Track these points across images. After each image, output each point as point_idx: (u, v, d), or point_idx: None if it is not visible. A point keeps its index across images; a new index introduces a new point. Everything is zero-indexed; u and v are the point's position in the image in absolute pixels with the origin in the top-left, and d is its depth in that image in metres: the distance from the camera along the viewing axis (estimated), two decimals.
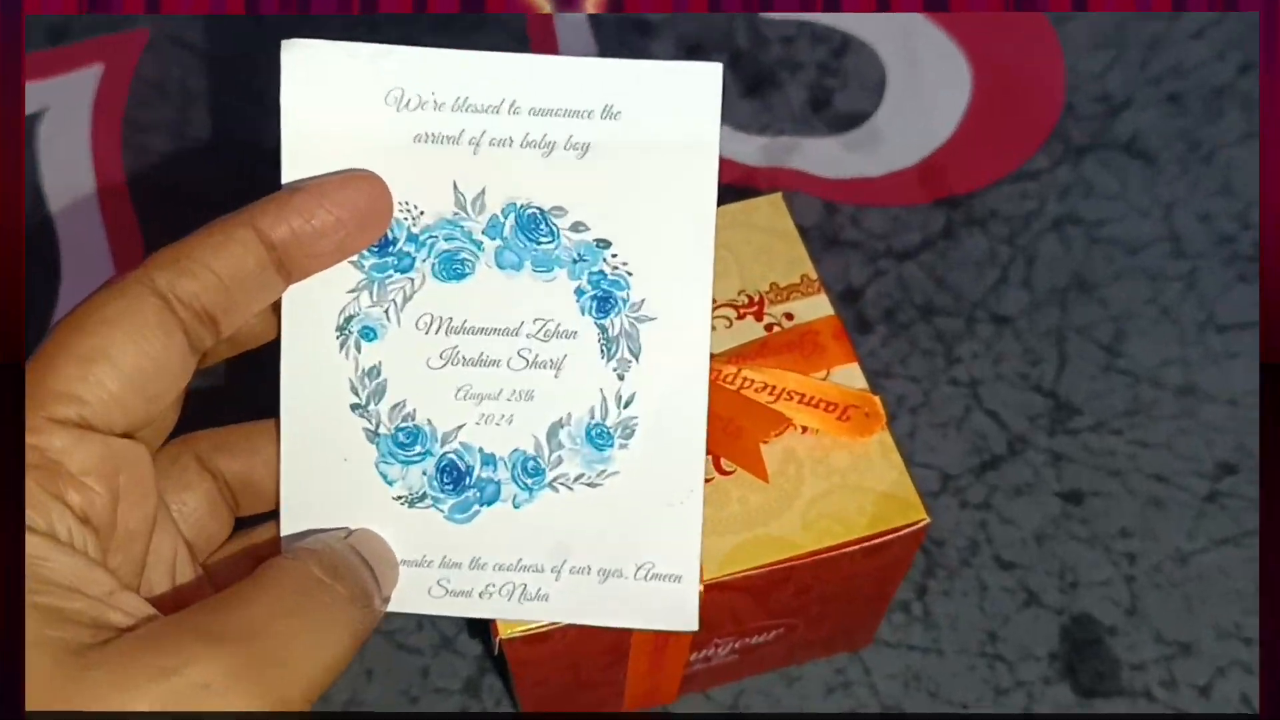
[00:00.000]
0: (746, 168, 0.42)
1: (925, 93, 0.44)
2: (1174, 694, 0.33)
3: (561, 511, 0.25)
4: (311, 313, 0.24)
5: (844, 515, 0.27)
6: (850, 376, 0.29)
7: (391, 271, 0.24)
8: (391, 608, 0.25)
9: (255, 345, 0.25)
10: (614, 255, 0.24)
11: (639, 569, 0.25)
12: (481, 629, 0.34)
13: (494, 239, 0.24)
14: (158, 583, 0.23)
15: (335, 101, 0.24)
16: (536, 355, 0.25)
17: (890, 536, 0.27)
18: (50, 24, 0.45)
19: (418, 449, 0.25)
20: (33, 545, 0.19)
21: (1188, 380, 0.37)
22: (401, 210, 0.24)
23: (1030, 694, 0.33)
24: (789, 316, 0.30)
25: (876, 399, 0.28)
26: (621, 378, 0.25)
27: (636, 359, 0.25)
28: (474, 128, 0.24)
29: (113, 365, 0.21)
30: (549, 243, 0.24)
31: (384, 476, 0.25)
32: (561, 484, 0.25)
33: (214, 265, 0.22)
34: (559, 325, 0.25)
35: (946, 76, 0.44)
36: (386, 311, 0.24)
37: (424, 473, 0.25)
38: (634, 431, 0.25)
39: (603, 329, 0.25)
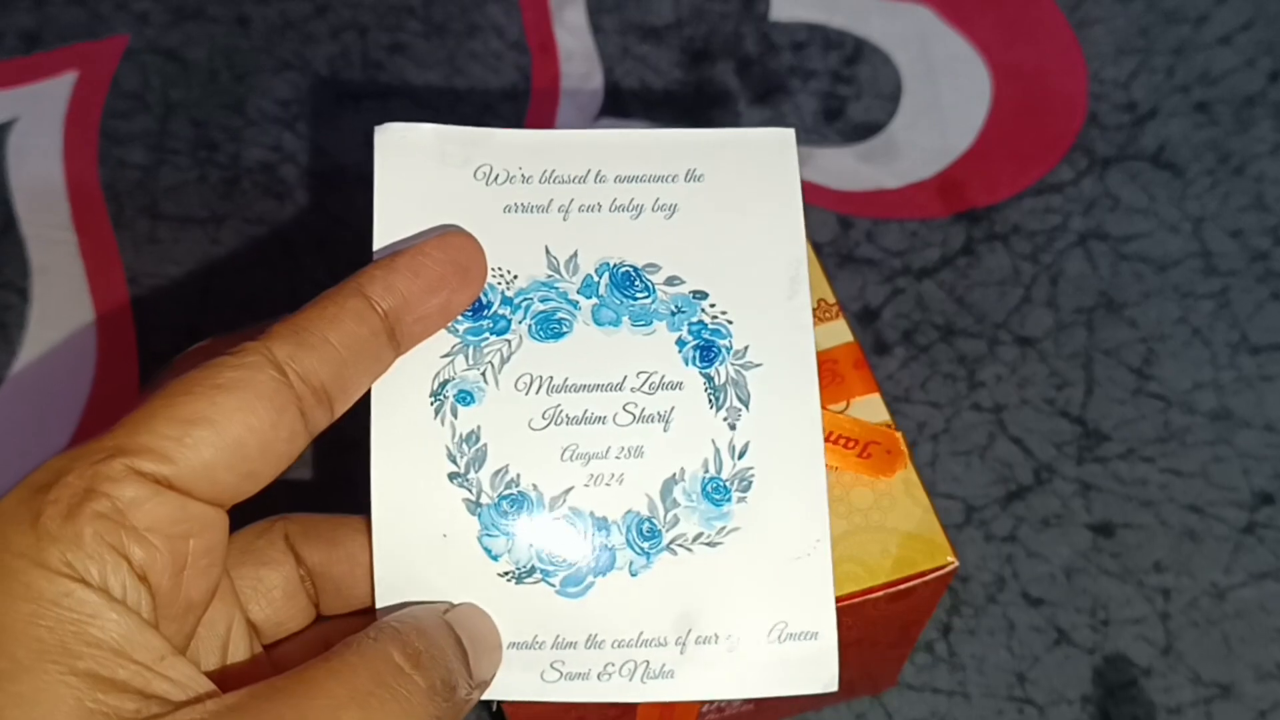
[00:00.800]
0: None
1: (943, 101, 0.42)
2: None
3: (682, 576, 0.24)
4: (403, 378, 0.24)
5: (866, 558, 0.26)
6: (871, 407, 0.28)
7: (487, 334, 0.24)
8: (502, 696, 0.24)
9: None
10: (712, 305, 0.25)
11: (771, 630, 0.24)
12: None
13: (590, 297, 0.24)
14: (205, 655, 0.22)
15: (425, 180, 0.25)
16: (643, 409, 0.24)
17: (916, 581, 0.26)
18: (22, 29, 0.44)
19: (521, 518, 0.24)
20: (81, 601, 0.19)
21: (1222, 405, 0.36)
22: (495, 275, 0.24)
23: None
24: None
25: (899, 435, 0.27)
26: (733, 427, 0.24)
27: (746, 407, 0.24)
28: (562, 197, 0.25)
29: (215, 432, 0.20)
30: (645, 298, 0.25)
31: (488, 551, 0.24)
32: (680, 545, 0.24)
33: (331, 337, 0.22)
34: (663, 377, 0.24)
35: (965, 84, 0.43)
36: (484, 374, 0.24)
37: (531, 544, 0.24)
38: (751, 483, 0.24)
39: (708, 378, 0.24)
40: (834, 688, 0.24)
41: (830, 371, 0.29)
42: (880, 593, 0.26)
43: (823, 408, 0.25)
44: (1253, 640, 0.33)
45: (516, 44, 0.43)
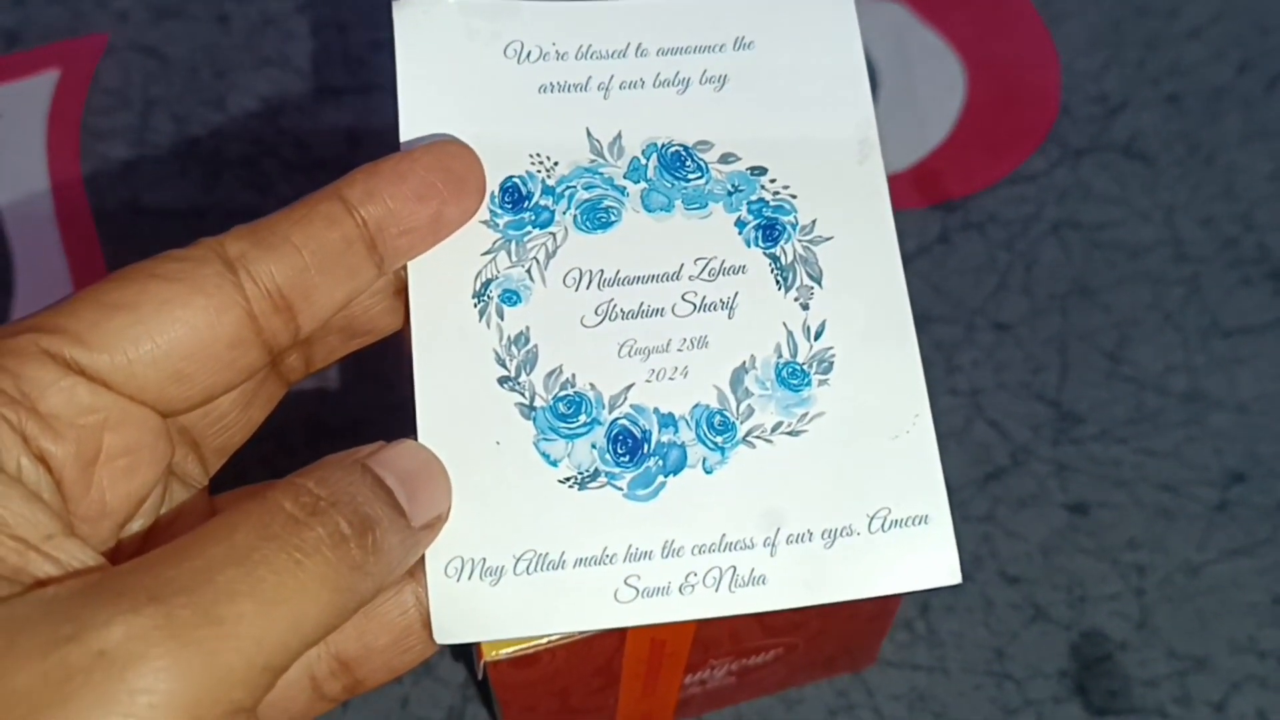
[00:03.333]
0: None
1: (918, 95, 0.44)
2: (1188, 711, 0.33)
3: (764, 469, 0.22)
4: (443, 281, 0.22)
5: None
6: None
7: (530, 228, 0.23)
8: (573, 626, 0.21)
9: (375, 338, 0.23)
10: (772, 181, 0.23)
11: (873, 519, 0.22)
12: (464, 652, 0.34)
13: (638, 182, 0.23)
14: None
15: (452, 59, 0.23)
16: (704, 297, 0.23)
17: None
18: (2, 28, 0.45)
19: (582, 419, 0.22)
20: None
21: (1193, 386, 0.38)
22: (534, 162, 0.23)
23: (1040, 713, 0.33)
24: None
25: None
26: (806, 307, 0.23)
27: (819, 284, 0.23)
28: (601, 73, 0.23)
29: (137, 321, 0.19)
30: (698, 178, 0.23)
31: (546, 457, 0.22)
32: (758, 437, 0.22)
33: (295, 238, 0.20)
34: (724, 262, 0.23)
35: (940, 78, 0.44)
36: (529, 271, 0.23)
37: (593, 446, 0.22)
38: (832, 364, 0.22)
39: (774, 258, 0.23)
40: (956, 578, 0.22)
41: None
42: None
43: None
44: (1225, 615, 0.34)
45: None
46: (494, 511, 0.22)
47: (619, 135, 0.23)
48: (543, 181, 0.23)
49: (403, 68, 0.23)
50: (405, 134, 0.23)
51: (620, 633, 0.27)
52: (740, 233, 0.23)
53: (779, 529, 0.22)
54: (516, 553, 0.22)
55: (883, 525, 0.22)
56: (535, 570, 0.22)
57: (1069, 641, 0.34)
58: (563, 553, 0.22)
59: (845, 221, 0.23)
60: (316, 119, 0.43)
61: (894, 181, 0.42)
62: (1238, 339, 0.39)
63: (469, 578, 0.21)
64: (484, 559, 0.22)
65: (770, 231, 0.23)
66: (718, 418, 0.22)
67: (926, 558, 0.22)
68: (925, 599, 0.35)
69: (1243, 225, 0.41)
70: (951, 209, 0.41)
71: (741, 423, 0.22)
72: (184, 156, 0.42)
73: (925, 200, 0.42)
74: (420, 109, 0.23)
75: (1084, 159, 0.42)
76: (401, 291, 0.23)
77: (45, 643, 0.16)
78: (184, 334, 0.19)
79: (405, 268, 0.23)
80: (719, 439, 0.22)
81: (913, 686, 0.34)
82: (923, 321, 0.39)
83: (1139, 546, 0.35)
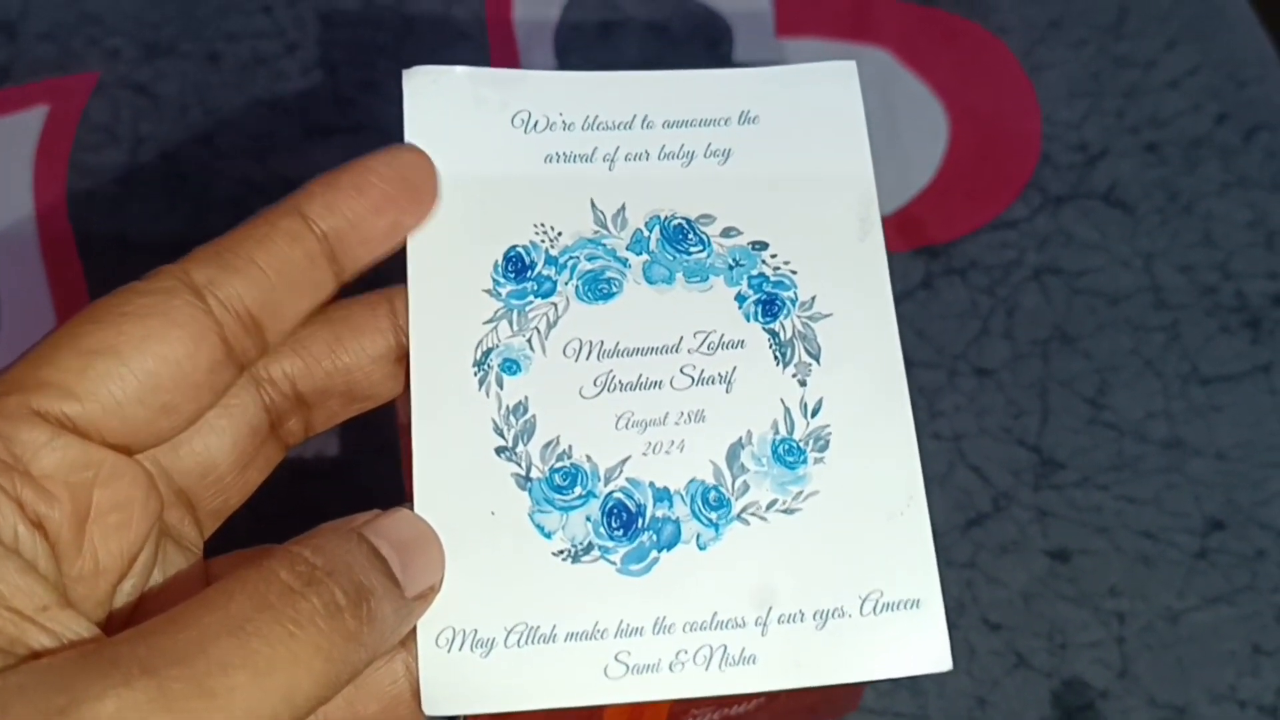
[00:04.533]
0: None
1: (902, 141, 0.44)
2: None
3: (757, 547, 0.22)
4: (444, 349, 0.22)
5: None
6: None
7: (531, 298, 0.23)
8: (563, 702, 0.21)
9: (376, 404, 0.23)
10: (773, 256, 0.23)
11: (865, 601, 0.22)
12: None
13: (640, 254, 0.23)
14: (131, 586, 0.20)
15: (459, 128, 0.23)
16: (702, 371, 0.23)
17: None
18: None
19: (578, 492, 0.22)
20: None
21: (1173, 433, 0.38)
22: (538, 232, 0.23)
23: None
24: None
25: None
26: (803, 383, 0.23)
27: (817, 360, 0.23)
28: (607, 145, 0.24)
29: (120, 364, 0.19)
30: (700, 251, 0.23)
31: (540, 529, 0.22)
32: (753, 514, 0.22)
33: (259, 259, 0.20)
34: (723, 336, 0.23)
35: (923, 125, 0.45)
36: (529, 341, 0.23)
37: (588, 519, 0.22)
38: (828, 442, 0.22)
39: (773, 333, 0.23)
40: (947, 665, 0.22)
41: None
42: None
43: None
44: (1206, 663, 0.34)
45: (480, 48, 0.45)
46: (487, 582, 0.22)
47: (623, 207, 0.23)
48: (546, 251, 0.23)
49: (411, 134, 0.24)
50: None
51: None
52: (740, 307, 0.23)
53: (770, 608, 0.22)
54: (508, 625, 0.22)
55: (874, 608, 0.22)
56: (526, 643, 0.22)
57: (1050, 689, 0.34)
58: (554, 626, 0.22)
59: (845, 298, 0.23)
60: (305, 158, 0.43)
61: None
62: (1216, 386, 0.39)
63: (460, 648, 0.21)
64: (475, 630, 0.21)
65: (770, 307, 0.23)
66: (713, 494, 0.22)
67: (917, 643, 0.22)
68: None
69: (1221, 273, 0.41)
70: (934, 254, 0.42)
71: (736, 499, 0.22)
72: (172, 194, 0.43)
73: (908, 245, 0.42)
74: None
75: (1065, 206, 0.43)
76: (403, 358, 0.23)
77: (39, 714, 0.16)
78: (166, 368, 0.19)
79: (407, 335, 0.23)
80: (713, 515, 0.22)
81: None
82: (906, 366, 0.39)
83: (1120, 593, 0.35)
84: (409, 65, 0.46)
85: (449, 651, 0.21)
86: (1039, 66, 0.46)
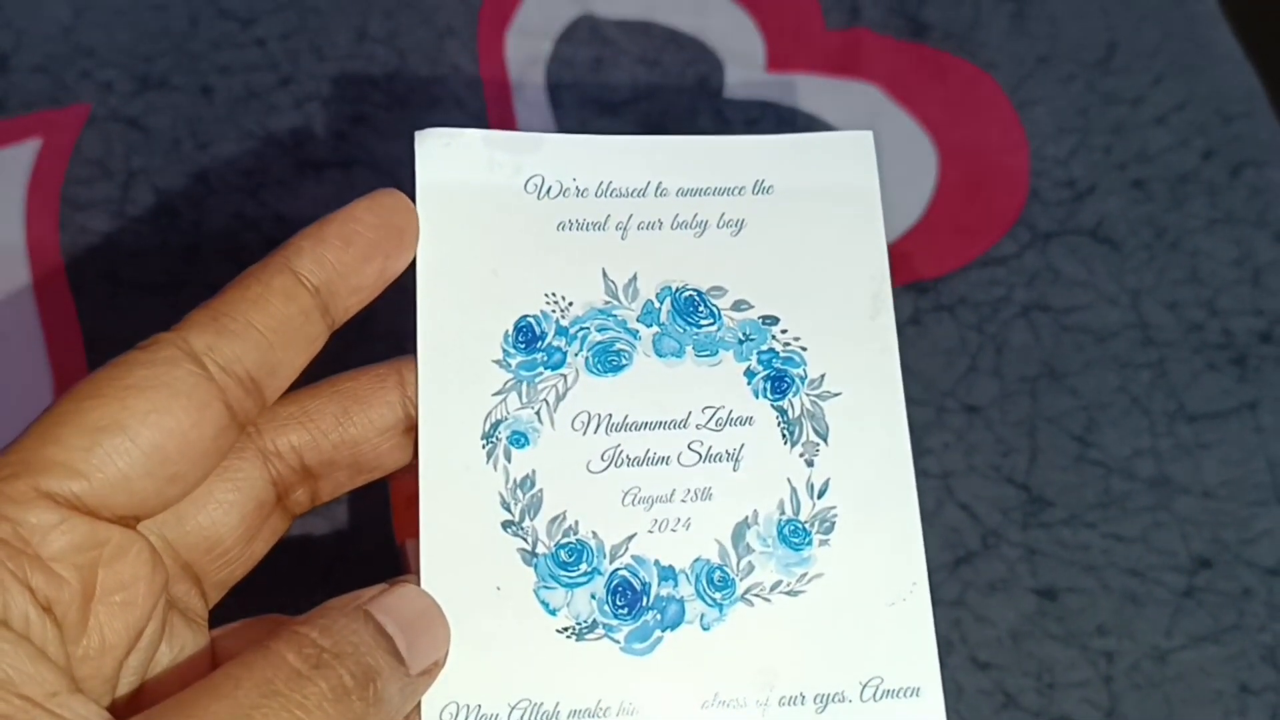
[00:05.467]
0: None
1: (891, 177, 0.45)
2: None
3: (760, 629, 0.22)
4: (453, 421, 0.22)
5: None
6: None
7: (541, 369, 0.23)
8: None
9: (382, 474, 0.23)
10: (784, 331, 0.23)
11: (865, 687, 0.22)
12: None
13: (651, 325, 0.23)
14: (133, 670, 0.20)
15: (472, 192, 0.23)
16: (710, 448, 0.23)
17: None
18: None
19: (583, 568, 0.22)
20: None
21: (1160, 471, 0.38)
22: (549, 302, 0.23)
23: None
24: None
25: None
26: (811, 463, 0.23)
27: (825, 440, 0.23)
28: (620, 212, 0.23)
29: (128, 440, 0.19)
30: (710, 325, 0.23)
31: (545, 605, 0.22)
32: (756, 595, 0.22)
33: (256, 321, 0.21)
34: (731, 412, 0.23)
35: (912, 161, 0.45)
36: (538, 413, 0.23)
37: (592, 596, 0.22)
38: (834, 524, 0.23)
39: (781, 411, 0.23)
40: None
41: None
42: None
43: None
44: (1193, 702, 0.34)
45: (478, 117, 0.46)
46: (491, 659, 0.22)
47: (634, 277, 0.23)
48: (557, 322, 0.23)
49: (423, 197, 0.23)
50: (422, 263, 0.23)
51: None
52: (749, 383, 0.23)
53: (772, 689, 0.22)
54: (512, 701, 0.22)
55: (875, 694, 0.22)
56: None
57: None
58: (557, 704, 0.22)
59: (854, 377, 0.23)
60: (297, 193, 0.43)
61: None
62: (1203, 424, 0.39)
63: None
64: (479, 706, 0.21)
65: (779, 383, 0.23)
66: (718, 573, 0.22)
67: None
68: None
69: (1208, 310, 0.42)
70: (923, 290, 0.42)
71: (741, 580, 0.22)
72: (164, 229, 0.43)
73: (897, 281, 0.42)
74: (438, 241, 0.23)
75: (1052, 243, 0.43)
76: (410, 430, 0.23)
77: None
78: (173, 440, 0.19)
79: (416, 407, 0.22)
80: (718, 595, 0.22)
81: None
82: None
83: (1107, 633, 0.36)
84: (401, 98, 0.46)
85: None
86: (1027, 102, 0.47)
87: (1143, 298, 0.42)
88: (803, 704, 0.22)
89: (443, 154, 0.24)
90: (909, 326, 0.41)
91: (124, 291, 0.41)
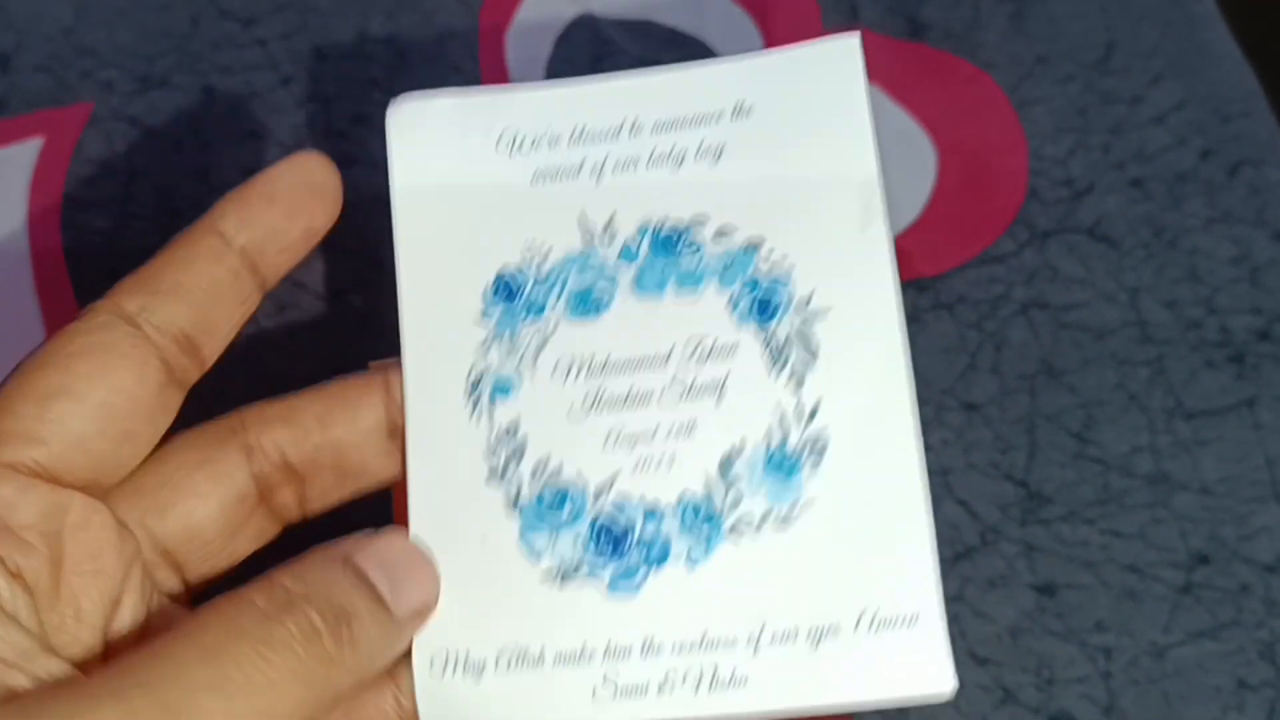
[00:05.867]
0: None
1: (890, 176, 0.45)
2: None
3: (749, 563, 0.22)
4: (437, 378, 0.23)
5: None
6: None
7: (522, 319, 0.23)
8: None
9: (370, 483, 0.23)
10: (770, 252, 0.23)
11: (860, 618, 0.21)
12: None
13: (630, 263, 0.23)
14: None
15: (446, 157, 0.23)
16: (693, 381, 0.22)
17: None
18: None
19: (567, 511, 0.22)
20: None
21: (1159, 468, 0.38)
22: (527, 253, 0.23)
23: None
24: None
25: None
26: (800, 384, 0.22)
27: (815, 360, 0.22)
28: (595, 155, 0.23)
29: (76, 401, 0.20)
30: (692, 256, 0.23)
31: (529, 550, 0.22)
32: (745, 529, 0.22)
33: (185, 281, 0.21)
34: (715, 341, 0.22)
35: (911, 160, 0.45)
36: (520, 362, 0.23)
37: (577, 538, 0.22)
38: (826, 448, 0.22)
39: (767, 336, 0.22)
40: (947, 689, 0.21)
41: None
42: None
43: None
44: (1191, 698, 0.35)
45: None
46: (478, 605, 0.22)
47: (612, 218, 0.23)
48: (535, 271, 0.23)
49: (396, 167, 0.24)
50: (399, 229, 0.23)
51: None
52: (734, 310, 0.23)
53: (763, 626, 0.21)
54: (499, 647, 0.22)
55: (870, 625, 0.21)
56: (516, 666, 0.22)
57: None
58: (543, 648, 0.22)
59: (844, 292, 0.23)
60: None
61: None
62: (1201, 421, 0.39)
63: (453, 673, 0.21)
64: (467, 652, 0.22)
65: (765, 307, 0.23)
66: (703, 509, 0.22)
67: (915, 663, 0.21)
68: None
69: (1206, 308, 0.42)
70: (922, 288, 0.42)
71: (727, 515, 0.22)
72: (166, 227, 0.43)
73: None
74: (414, 208, 0.24)
75: (1051, 241, 0.43)
76: (396, 433, 0.23)
77: None
78: (119, 398, 0.20)
79: (402, 410, 0.23)
80: (704, 531, 0.22)
81: None
82: None
83: (1106, 629, 0.36)
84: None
85: (443, 676, 0.22)
86: (1026, 102, 0.47)
87: (1141, 296, 0.42)
88: (795, 640, 0.21)
89: (416, 122, 0.24)
90: (909, 324, 0.41)
91: None
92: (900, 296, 0.22)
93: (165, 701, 0.17)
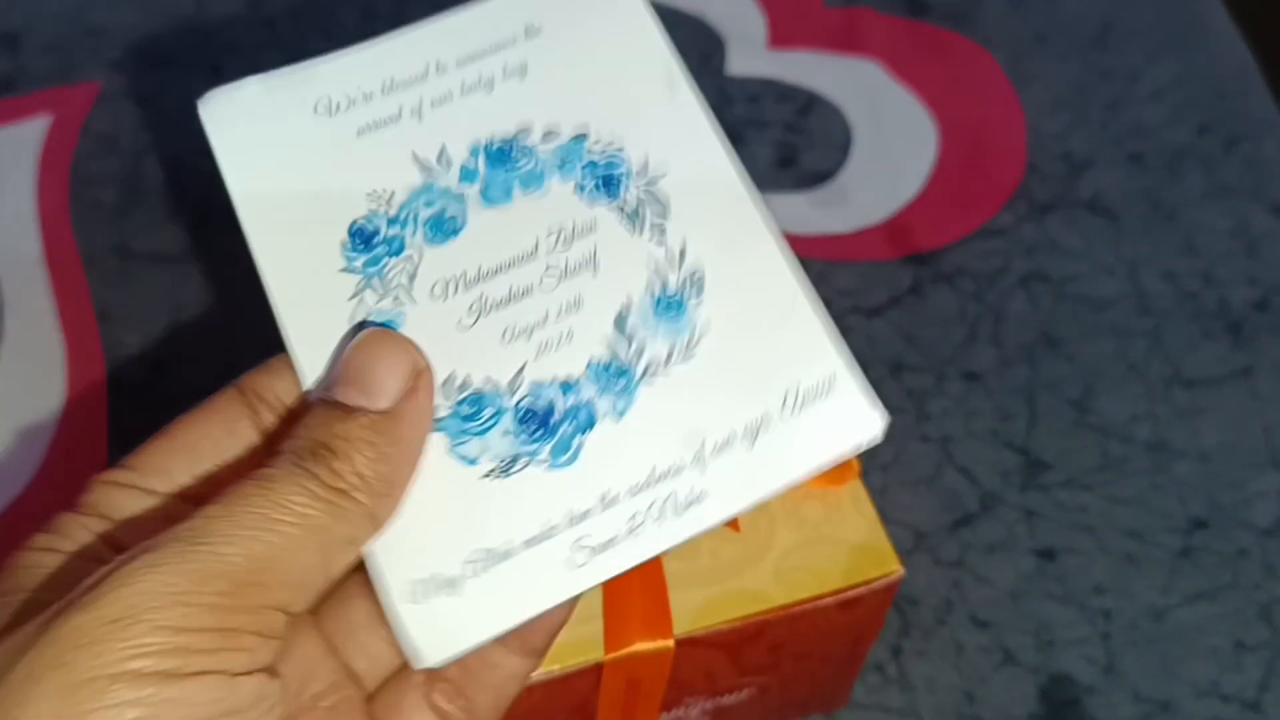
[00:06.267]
0: None
1: (891, 151, 0.46)
2: None
3: (671, 398, 0.23)
4: (321, 338, 0.23)
5: (817, 567, 0.28)
6: None
7: (386, 260, 0.24)
8: (543, 606, 0.22)
9: None
10: (596, 141, 0.24)
11: (785, 402, 0.23)
12: None
13: (473, 183, 0.24)
14: None
15: (267, 136, 0.24)
16: (565, 263, 0.24)
17: (864, 589, 0.28)
18: None
19: (488, 413, 0.23)
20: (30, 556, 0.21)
21: (1157, 436, 0.39)
22: (372, 201, 0.24)
23: None
24: None
25: None
26: (663, 237, 0.24)
27: (668, 215, 0.24)
28: (410, 100, 0.25)
29: (168, 436, 0.23)
30: (527, 161, 0.24)
31: (464, 460, 0.23)
32: (655, 368, 0.23)
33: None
34: (574, 223, 0.24)
35: (912, 135, 0.46)
36: (396, 298, 0.24)
37: (505, 433, 0.23)
38: (703, 281, 0.24)
39: (620, 205, 0.24)
40: (877, 429, 0.22)
41: None
42: (829, 600, 0.28)
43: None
44: (1189, 659, 0.35)
45: None
46: (434, 527, 0.22)
47: (443, 148, 0.24)
48: (385, 215, 0.24)
49: (224, 159, 0.24)
50: (244, 216, 0.24)
51: (596, 671, 0.28)
52: (582, 193, 0.24)
53: (703, 442, 0.23)
54: (466, 557, 0.22)
55: (795, 404, 0.23)
56: (489, 567, 0.22)
57: (1038, 685, 0.35)
58: (508, 541, 0.22)
59: (674, 154, 0.24)
60: None
61: (867, 234, 0.44)
62: (1199, 389, 0.40)
63: (430, 595, 0.22)
64: (439, 572, 0.22)
65: (609, 182, 0.24)
66: (613, 365, 0.23)
67: (845, 416, 0.23)
68: (898, 643, 0.36)
69: (1203, 280, 0.42)
70: (923, 261, 0.43)
71: (636, 364, 0.23)
72: (173, 202, 0.43)
73: (897, 252, 0.43)
74: (253, 192, 0.24)
75: (1050, 215, 0.44)
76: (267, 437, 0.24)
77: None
78: (199, 436, 0.23)
79: (283, 333, 0.24)
80: (620, 384, 0.23)
81: None
82: (894, 370, 0.40)
83: (1105, 591, 0.36)
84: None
85: (425, 602, 0.22)
86: (1025, 79, 0.47)
87: (1139, 268, 0.43)
88: (735, 443, 0.23)
89: (229, 112, 0.25)
90: (909, 296, 0.42)
91: (133, 262, 0.42)
92: (726, 142, 0.24)
93: (184, 534, 0.19)
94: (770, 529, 0.29)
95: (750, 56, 0.48)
